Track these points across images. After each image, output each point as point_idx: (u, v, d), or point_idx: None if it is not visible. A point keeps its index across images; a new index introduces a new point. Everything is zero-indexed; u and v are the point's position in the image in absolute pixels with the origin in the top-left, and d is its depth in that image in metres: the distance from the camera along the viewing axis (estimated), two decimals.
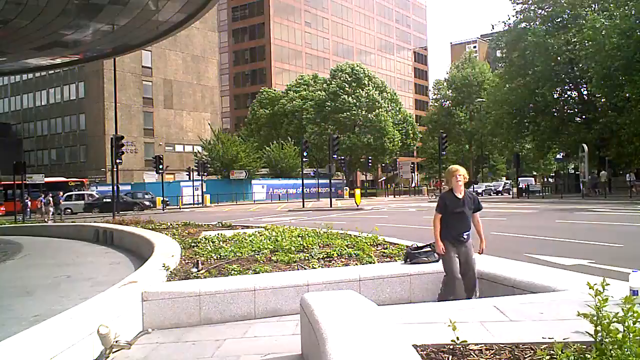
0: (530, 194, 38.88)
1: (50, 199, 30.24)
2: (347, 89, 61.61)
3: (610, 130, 33.18)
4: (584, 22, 33.45)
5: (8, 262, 11.17)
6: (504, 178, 73.42)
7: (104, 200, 37.91)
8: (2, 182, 37.60)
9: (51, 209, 29.95)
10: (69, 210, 37.32)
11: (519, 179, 42.23)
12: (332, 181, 38.61)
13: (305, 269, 6.14)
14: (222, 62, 78.95)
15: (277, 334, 4.57)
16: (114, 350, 3.13)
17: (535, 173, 73.02)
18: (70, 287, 7.62)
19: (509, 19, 40.55)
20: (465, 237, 5.14)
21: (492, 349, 2.86)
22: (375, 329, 2.71)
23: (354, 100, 60.75)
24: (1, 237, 15.43)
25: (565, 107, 41.39)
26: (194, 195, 45.39)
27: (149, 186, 47.02)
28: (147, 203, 38.66)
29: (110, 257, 11.12)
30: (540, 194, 40.32)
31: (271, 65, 79.22)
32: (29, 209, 31.32)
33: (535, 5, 39.13)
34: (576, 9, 36.72)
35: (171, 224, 13.47)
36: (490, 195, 50.08)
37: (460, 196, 5.19)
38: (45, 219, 28.68)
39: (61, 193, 35.12)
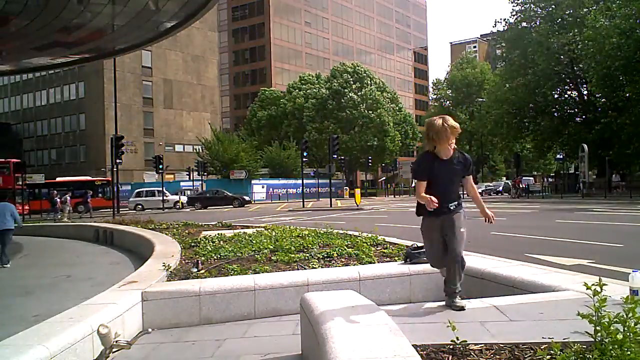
0: (530, 194, 38.96)
1: (68, 197, 30.81)
2: (352, 86, 61.67)
3: (610, 130, 33.22)
4: (584, 21, 33.46)
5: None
6: (504, 178, 73.43)
7: (206, 195, 39.74)
8: (27, 182, 38.29)
9: (68, 207, 30.44)
10: (140, 207, 38.63)
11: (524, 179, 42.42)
12: (332, 181, 38.62)
13: (305, 268, 6.14)
14: (222, 62, 78.94)
15: (277, 334, 4.57)
16: (114, 350, 3.13)
17: (535, 173, 72.97)
18: (70, 287, 7.61)
19: (510, 17, 40.61)
20: (452, 207, 4.07)
21: (492, 349, 2.86)
22: (375, 329, 2.71)
23: (358, 98, 60.73)
24: None
25: (566, 107, 41.40)
26: None
27: (148, 186, 47.05)
28: (246, 198, 39.34)
29: (110, 257, 11.13)
30: (540, 194, 40.37)
31: (271, 65, 79.22)
32: (58, 207, 31.68)
33: (535, 5, 39.16)
34: (577, 9, 36.72)
35: (171, 224, 13.47)
36: (490, 195, 50.10)
37: (446, 158, 4.01)
38: (66, 217, 29.13)
39: (91, 192, 35.88)
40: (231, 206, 36.51)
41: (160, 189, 40.45)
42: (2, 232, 10.34)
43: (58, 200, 31.65)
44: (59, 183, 39.98)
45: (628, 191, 30.94)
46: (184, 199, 40.58)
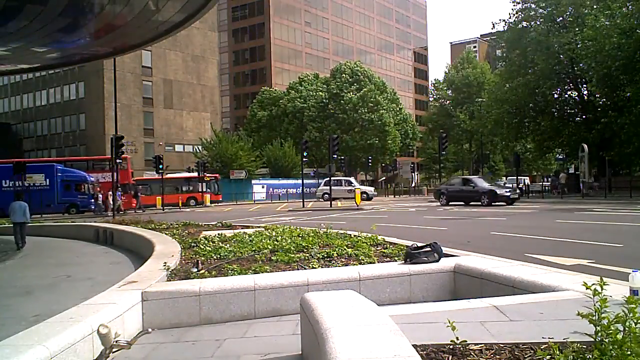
0: (530, 194, 39.11)
1: (115, 193, 31.32)
2: (350, 87, 61.73)
3: (611, 130, 33.18)
4: (585, 21, 33.42)
5: (8, 262, 11.17)
6: (503, 178, 73.43)
7: (455, 186, 31.00)
8: (136, 178, 41.35)
9: (118, 202, 31.16)
10: (327, 195, 39.36)
11: (512, 178, 42.62)
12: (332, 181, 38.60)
13: (305, 268, 6.14)
14: (222, 62, 78.96)
15: (277, 334, 4.57)
16: (114, 350, 3.13)
17: (535, 173, 72.96)
18: (70, 287, 7.61)
19: (510, 17, 40.52)
20: None
21: (492, 349, 2.86)
22: (375, 329, 2.71)
23: (359, 100, 60.75)
24: (1, 237, 15.46)
25: (566, 107, 41.35)
26: None
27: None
28: (500, 192, 26.48)
29: (110, 257, 11.13)
30: (541, 194, 40.41)
31: (271, 65, 79.23)
32: (100, 202, 31.95)
33: (535, 4, 39.10)
34: (578, 8, 36.66)
35: (171, 224, 13.48)
36: None
37: None
38: (119, 212, 29.99)
39: (140, 187, 38.02)
40: (479, 203, 25.73)
41: (348, 178, 43.18)
42: (20, 224, 13.65)
43: (100, 195, 31.81)
44: (168, 180, 42.43)
45: (602, 192, 31.36)
46: (369, 189, 41.68)
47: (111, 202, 30.68)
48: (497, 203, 25.27)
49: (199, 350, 4.27)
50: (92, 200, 33.57)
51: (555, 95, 40.24)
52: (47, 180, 33.53)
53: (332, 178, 43.49)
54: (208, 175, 43.39)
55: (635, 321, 2.40)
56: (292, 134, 60.33)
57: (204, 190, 41.42)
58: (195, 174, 44.42)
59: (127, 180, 37.42)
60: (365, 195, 38.97)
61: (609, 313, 2.51)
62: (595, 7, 34.02)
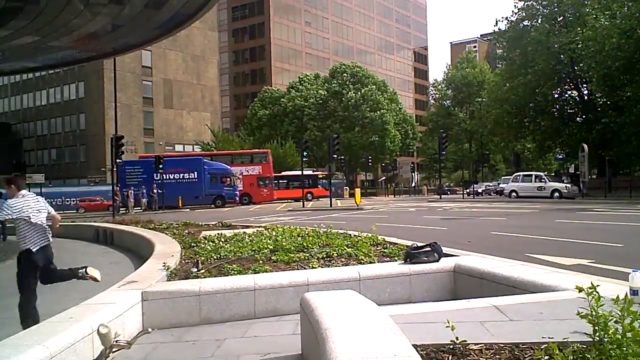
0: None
1: (144, 191, 31.26)
2: (350, 87, 61.79)
3: (611, 130, 33.18)
4: (586, 21, 33.42)
5: (8, 262, 11.16)
6: (503, 178, 73.44)
7: None
8: (276, 174, 44.45)
9: (147, 201, 31.71)
10: (515, 194, 34.09)
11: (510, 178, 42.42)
12: (332, 181, 38.63)
13: (305, 268, 6.14)
14: (222, 62, 78.94)
15: (277, 334, 4.57)
16: (113, 350, 3.13)
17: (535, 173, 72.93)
18: (70, 287, 7.60)
19: (512, 16, 40.45)
20: None
21: (492, 349, 2.86)
22: (375, 329, 2.71)
23: (360, 98, 60.78)
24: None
25: (566, 107, 41.32)
26: None
27: None
28: None
29: (110, 257, 11.13)
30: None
31: (271, 65, 79.22)
32: (127, 201, 31.97)
33: (537, 3, 39.06)
34: (579, 8, 36.64)
35: (171, 224, 13.47)
36: (490, 195, 50.08)
37: None
38: (133, 210, 30.45)
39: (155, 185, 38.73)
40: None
41: (539, 173, 35.88)
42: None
43: (125, 194, 31.90)
44: (294, 176, 45.54)
45: (587, 192, 31.42)
46: (561, 186, 32.76)
47: (131, 200, 30.74)
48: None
49: (199, 350, 4.27)
50: (237, 193, 35.25)
51: (556, 95, 40.22)
52: (195, 173, 34.49)
53: (521, 174, 35.75)
54: (320, 172, 48.41)
55: (630, 319, 2.40)
56: (292, 134, 60.34)
57: (317, 185, 46.75)
58: (311, 172, 48.71)
59: (269, 174, 40.01)
60: (557, 193, 31.32)
61: (604, 312, 2.51)
62: (596, 7, 33.98)
